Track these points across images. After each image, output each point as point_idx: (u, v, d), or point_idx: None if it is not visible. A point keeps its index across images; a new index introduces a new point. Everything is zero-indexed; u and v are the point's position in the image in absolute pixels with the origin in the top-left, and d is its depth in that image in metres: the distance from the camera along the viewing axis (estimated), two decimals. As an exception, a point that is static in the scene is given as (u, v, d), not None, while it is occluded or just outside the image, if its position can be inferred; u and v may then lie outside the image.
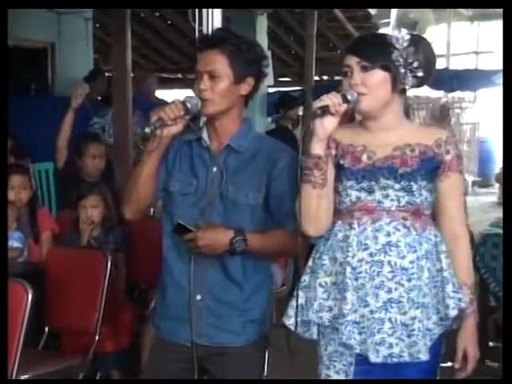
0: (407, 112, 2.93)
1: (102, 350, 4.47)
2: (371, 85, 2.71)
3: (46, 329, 4.50)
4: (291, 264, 5.82)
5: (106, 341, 4.51)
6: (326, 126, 2.70)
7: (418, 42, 2.76)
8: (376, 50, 2.72)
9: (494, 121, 15.64)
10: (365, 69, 2.72)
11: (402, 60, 2.72)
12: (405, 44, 2.72)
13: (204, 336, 3.00)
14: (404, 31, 2.76)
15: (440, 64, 14.03)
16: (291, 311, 2.89)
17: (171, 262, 3.08)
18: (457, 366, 2.84)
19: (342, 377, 2.82)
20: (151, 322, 3.26)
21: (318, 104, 2.68)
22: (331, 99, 2.67)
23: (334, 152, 2.82)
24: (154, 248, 3.43)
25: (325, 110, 2.67)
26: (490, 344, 5.70)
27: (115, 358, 4.68)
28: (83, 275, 4.44)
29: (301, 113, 10.68)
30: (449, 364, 2.92)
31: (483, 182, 16.08)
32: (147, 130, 2.87)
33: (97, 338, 4.31)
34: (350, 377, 2.80)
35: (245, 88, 2.97)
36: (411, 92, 2.97)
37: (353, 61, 2.73)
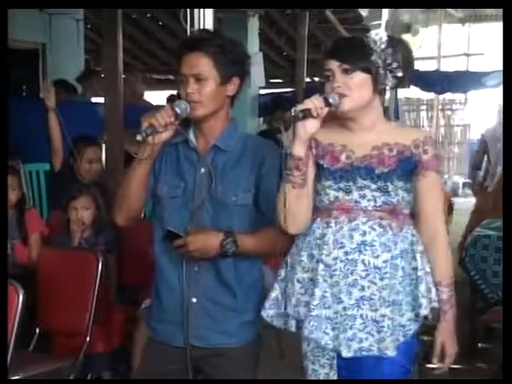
0: (397, 112, 2.97)
1: (93, 351, 4.47)
2: (353, 86, 2.77)
3: (37, 330, 4.50)
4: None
5: (96, 342, 4.51)
6: (308, 128, 2.73)
7: (396, 44, 2.82)
8: (356, 53, 2.78)
9: (485, 122, 15.67)
10: (346, 71, 2.77)
11: (380, 61, 2.78)
12: (383, 46, 2.78)
13: (200, 338, 3.02)
14: (381, 34, 2.82)
15: (431, 66, 14.06)
16: (267, 304, 2.97)
17: (164, 266, 3.08)
18: (435, 361, 2.91)
19: (326, 370, 2.92)
20: (146, 324, 3.25)
21: (299, 107, 2.71)
22: (313, 102, 2.71)
23: (314, 151, 2.88)
24: (144, 249, 3.44)
25: (306, 113, 2.69)
26: (480, 345, 5.73)
27: (106, 359, 4.68)
28: (74, 276, 4.44)
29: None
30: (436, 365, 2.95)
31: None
32: (139, 137, 2.86)
33: (88, 339, 4.32)
34: (334, 370, 2.90)
35: (231, 88, 2.97)
36: (402, 94, 3.00)
37: (334, 65, 2.79)
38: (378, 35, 2.81)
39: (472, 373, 5.30)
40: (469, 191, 15.82)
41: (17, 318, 3.57)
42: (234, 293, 3.02)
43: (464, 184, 16.44)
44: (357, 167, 2.82)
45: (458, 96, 16.61)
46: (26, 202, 5.44)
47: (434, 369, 2.95)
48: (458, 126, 17.50)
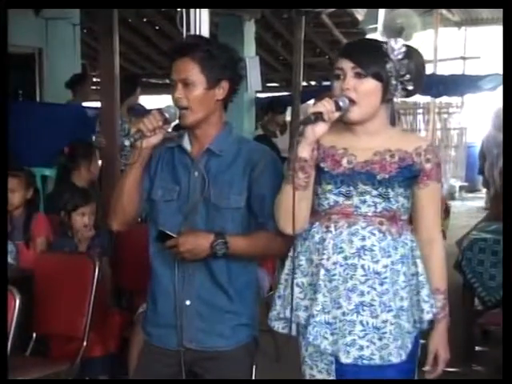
0: (393, 118, 2.96)
1: (90, 355, 4.46)
2: (362, 92, 2.74)
3: (34, 334, 4.49)
4: (280, 269, 5.84)
5: (93, 346, 4.50)
6: (317, 131, 2.71)
7: (412, 55, 2.79)
8: (372, 59, 2.74)
9: (482, 126, 15.69)
10: (358, 75, 2.74)
11: (394, 72, 2.75)
12: (400, 56, 2.74)
13: (194, 340, 3.03)
14: (400, 42, 2.77)
15: (427, 69, 14.07)
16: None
17: (158, 269, 3.09)
18: (427, 368, 2.92)
19: (324, 375, 2.89)
20: (142, 329, 3.26)
21: (312, 110, 2.69)
22: (325, 106, 2.68)
23: (315, 153, 2.84)
24: (140, 253, 3.44)
25: (318, 117, 2.67)
26: (476, 348, 5.73)
27: (103, 364, 4.67)
28: (71, 280, 4.43)
29: (288, 118, 10.70)
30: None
31: (470, 187, 16.14)
32: (127, 142, 2.89)
33: (85, 343, 4.31)
34: (332, 375, 2.87)
35: (220, 92, 2.98)
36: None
37: (347, 65, 2.74)
38: (398, 43, 2.76)
39: (469, 376, 5.30)
40: (465, 194, 15.90)
41: (13, 323, 3.57)
42: (228, 294, 3.03)
43: (461, 187, 16.47)
44: (358, 172, 2.79)
45: (454, 99, 16.62)
46: (35, 205, 5.40)
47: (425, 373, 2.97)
48: (454, 129, 17.51)
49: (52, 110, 8.17)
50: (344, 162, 2.82)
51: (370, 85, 2.74)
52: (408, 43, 2.83)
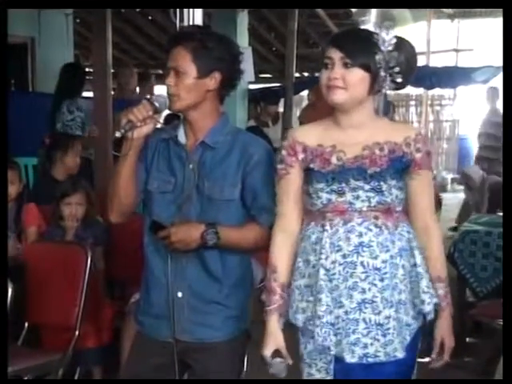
0: (387, 109, 2.95)
1: (83, 345, 4.46)
2: (350, 82, 2.71)
3: (26, 324, 4.49)
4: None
5: (86, 337, 4.50)
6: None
7: (402, 47, 2.76)
8: (361, 49, 2.72)
9: (474, 118, 15.73)
10: (346, 65, 2.72)
11: (384, 63, 2.72)
12: (390, 48, 2.72)
13: (186, 332, 3.03)
14: (391, 34, 2.74)
15: (420, 61, 14.08)
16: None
17: (152, 259, 3.10)
18: (434, 356, 2.90)
19: (323, 375, 2.86)
20: (134, 317, 3.27)
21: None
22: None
23: (301, 156, 2.83)
24: (133, 243, 3.44)
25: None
26: (467, 340, 5.74)
27: (95, 354, 4.67)
28: (63, 270, 4.42)
29: (281, 109, 10.71)
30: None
31: (462, 179, 16.16)
32: (118, 134, 2.90)
33: (77, 333, 4.30)
34: (331, 374, 2.84)
35: (211, 83, 2.98)
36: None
37: (336, 55, 2.73)
38: (389, 35, 2.73)
39: (460, 367, 5.31)
40: (457, 187, 15.92)
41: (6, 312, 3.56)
42: (221, 287, 3.03)
43: (452, 179, 16.50)
44: (349, 168, 2.76)
45: (447, 91, 16.66)
46: (24, 197, 5.40)
47: (429, 363, 2.94)
48: (446, 121, 17.56)
49: (44, 99, 8.16)
50: (333, 159, 2.79)
51: (358, 75, 2.72)
52: (398, 34, 2.81)
